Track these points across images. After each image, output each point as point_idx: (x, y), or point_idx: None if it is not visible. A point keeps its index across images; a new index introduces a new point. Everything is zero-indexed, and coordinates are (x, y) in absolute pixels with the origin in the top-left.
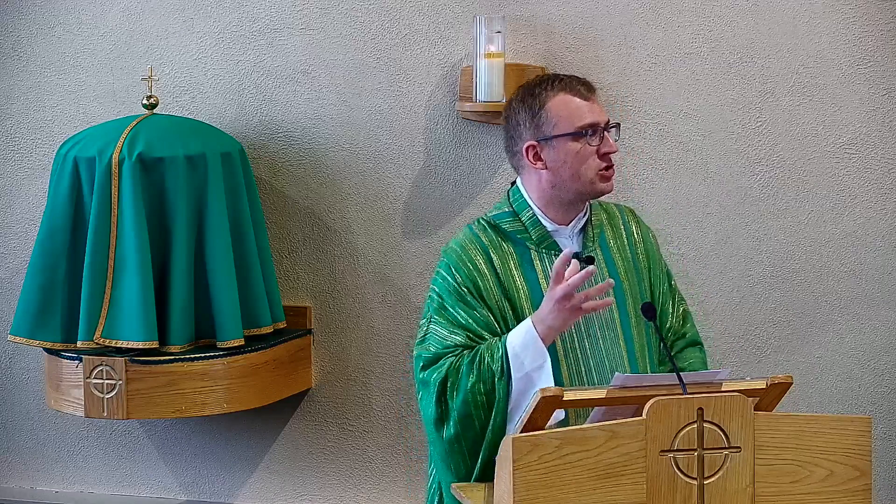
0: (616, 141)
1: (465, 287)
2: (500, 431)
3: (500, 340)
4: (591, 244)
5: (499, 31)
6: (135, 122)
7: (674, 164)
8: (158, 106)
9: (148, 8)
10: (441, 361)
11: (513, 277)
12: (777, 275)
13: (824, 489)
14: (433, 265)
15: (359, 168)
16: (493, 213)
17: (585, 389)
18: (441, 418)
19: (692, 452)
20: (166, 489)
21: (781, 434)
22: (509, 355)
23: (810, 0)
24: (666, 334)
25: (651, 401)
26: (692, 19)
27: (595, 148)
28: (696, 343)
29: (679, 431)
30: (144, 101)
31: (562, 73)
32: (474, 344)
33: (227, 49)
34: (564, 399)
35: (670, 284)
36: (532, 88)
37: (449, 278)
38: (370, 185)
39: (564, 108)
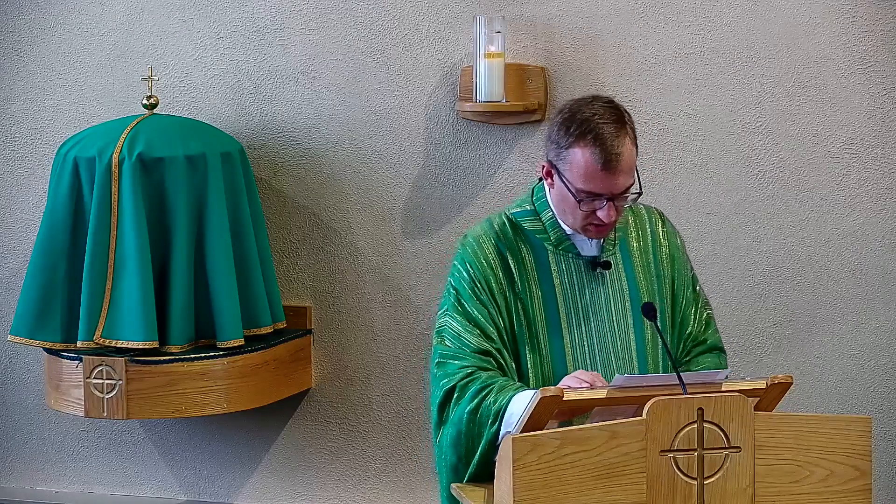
0: (628, 206)
1: (478, 283)
2: (488, 455)
3: (512, 389)
4: (610, 248)
5: (499, 31)
6: (135, 122)
7: (674, 164)
8: (158, 106)
9: (148, 8)
10: (456, 366)
11: (528, 284)
12: (777, 275)
13: (824, 489)
14: (433, 265)
15: (359, 168)
16: (516, 209)
17: (586, 390)
18: (439, 424)
19: (692, 452)
20: (166, 489)
21: (781, 434)
22: (506, 410)
23: (810, 0)
24: (685, 340)
25: (651, 401)
26: (692, 19)
27: (585, 212)
28: (717, 349)
29: (679, 431)
30: (144, 101)
31: (597, 108)
32: (486, 341)
33: (227, 49)
34: (564, 399)
35: (695, 290)
36: (575, 117)
37: (463, 272)
38: (370, 185)
39: (580, 163)
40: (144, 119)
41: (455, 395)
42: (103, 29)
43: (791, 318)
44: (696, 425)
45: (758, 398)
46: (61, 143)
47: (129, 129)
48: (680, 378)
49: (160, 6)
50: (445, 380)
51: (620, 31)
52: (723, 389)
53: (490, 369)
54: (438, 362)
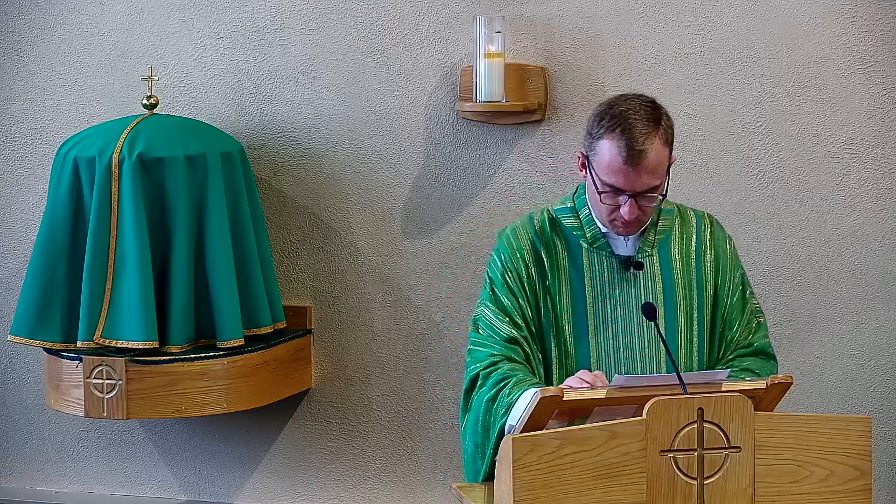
0: (655, 206)
1: (509, 272)
2: (498, 445)
3: (528, 384)
4: (648, 250)
5: (499, 31)
6: (135, 122)
7: (674, 164)
8: (158, 106)
9: (148, 8)
10: (484, 353)
11: (559, 279)
12: (777, 275)
13: (824, 489)
14: (433, 265)
15: (359, 168)
16: (559, 205)
17: (586, 390)
18: (464, 411)
19: (692, 452)
20: (166, 489)
21: (781, 434)
22: (515, 404)
23: (810, 0)
24: (728, 346)
25: (651, 401)
26: (692, 19)
27: (609, 206)
28: (762, 353)
29: (679, 431)
30: (144, 101)
31: (633, 105)
32: (514, 329)
33: (227, 49)
34: (564, 399)
35: (744, 295)
36: (610, 110)
37: (497, 261)
38: (370, 185)
39: (605, 155)
40: (144, 119)
41: (478, 383)
42: (103, 29)
43: (791, 318)
44: (696, 425)
45: (758, 398)
46: (61, 143)
47: (129, 129)
48: (680, 378)
49: (160, 6)
50: (472, 366)
51: (620, 31)
52: (723, 389)
53: (517, 360)
54: (469, 349)
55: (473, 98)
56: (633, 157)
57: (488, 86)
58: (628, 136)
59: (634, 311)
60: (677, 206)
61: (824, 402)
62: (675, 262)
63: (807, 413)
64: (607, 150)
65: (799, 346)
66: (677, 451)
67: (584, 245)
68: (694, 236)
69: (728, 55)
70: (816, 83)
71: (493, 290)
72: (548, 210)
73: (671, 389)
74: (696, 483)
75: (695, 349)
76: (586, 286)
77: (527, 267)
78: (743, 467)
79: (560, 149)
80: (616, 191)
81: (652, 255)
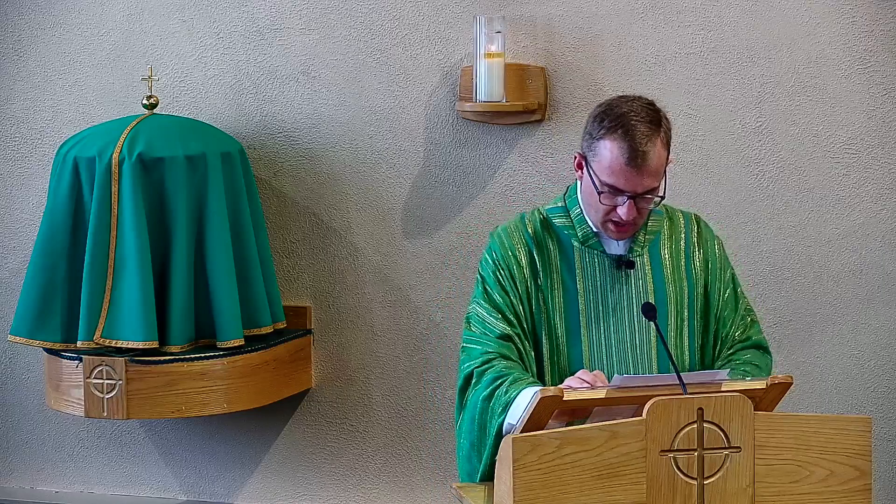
0: (653, 208)
1: (501, 270)
2: (497, 447)
3: (525, 383)
4: (638, 249)
5: (499, 31)
6: (135, 122)
7: (674, 164)
8: (158, 106)
9: (148, 8)
10: (478, 351)
11: (551, 277)
12: (777, 275)
13: (824, 489)
14: (433, 265)
15: (359, 168)
16: (550, 205)
17: (586, 390)
18: (459, 409)
19: (692, 452)
20: (166, 489)
21: (781, 434)
22: (514, 402)
23: (810, 0)
24: (724, 342)
25: (651, 401)
26: (692, 19)
27: (607, 207)
28: (760, 347)
29: (679, 431)
30: (144, 101)
31: (634, 106)
32: (508, 326)
33: (227, 49)
34: (564, 399)
35: (735, 293)
36: (611, 111)
37: (489, 259)
38: (370, 185)
39: (606, 156)
40: (144, 119)
41: (473, 381)
42: (103, 29)
43: (791, 318)
44: (696, 425)
45: (758, 398)
46: (61, 143)
47: (129, 129)
48: (680, 378)
49: (160, 6)
50: (467, 364)
51: (620, 31)
52: (723, 389)
53: (511, 357)
54: (463, 347)
55: (473, 98)
56: (635, 158)
57: (488, 86)
58: (631, 137)
59: (626, 309)
60: (666, 208)
61: (824, 402)
62: (666, 261)
63: (807, 413)
64: (609, 151)
65: (799, 346)
66: (677, 451)
67: (576, 244)
68: (683, 237)
69: (728, 55)
70: (816, 83)
71: (485, 288)
72: (539, 210)
73: (671, 389)
74: (696, 483)
75: (685, 348)
76: (578, 285)
77: (519, 265)
78: (743, 467)
79: (560, 149)
80: (616, 191)
81: (643, 254)
